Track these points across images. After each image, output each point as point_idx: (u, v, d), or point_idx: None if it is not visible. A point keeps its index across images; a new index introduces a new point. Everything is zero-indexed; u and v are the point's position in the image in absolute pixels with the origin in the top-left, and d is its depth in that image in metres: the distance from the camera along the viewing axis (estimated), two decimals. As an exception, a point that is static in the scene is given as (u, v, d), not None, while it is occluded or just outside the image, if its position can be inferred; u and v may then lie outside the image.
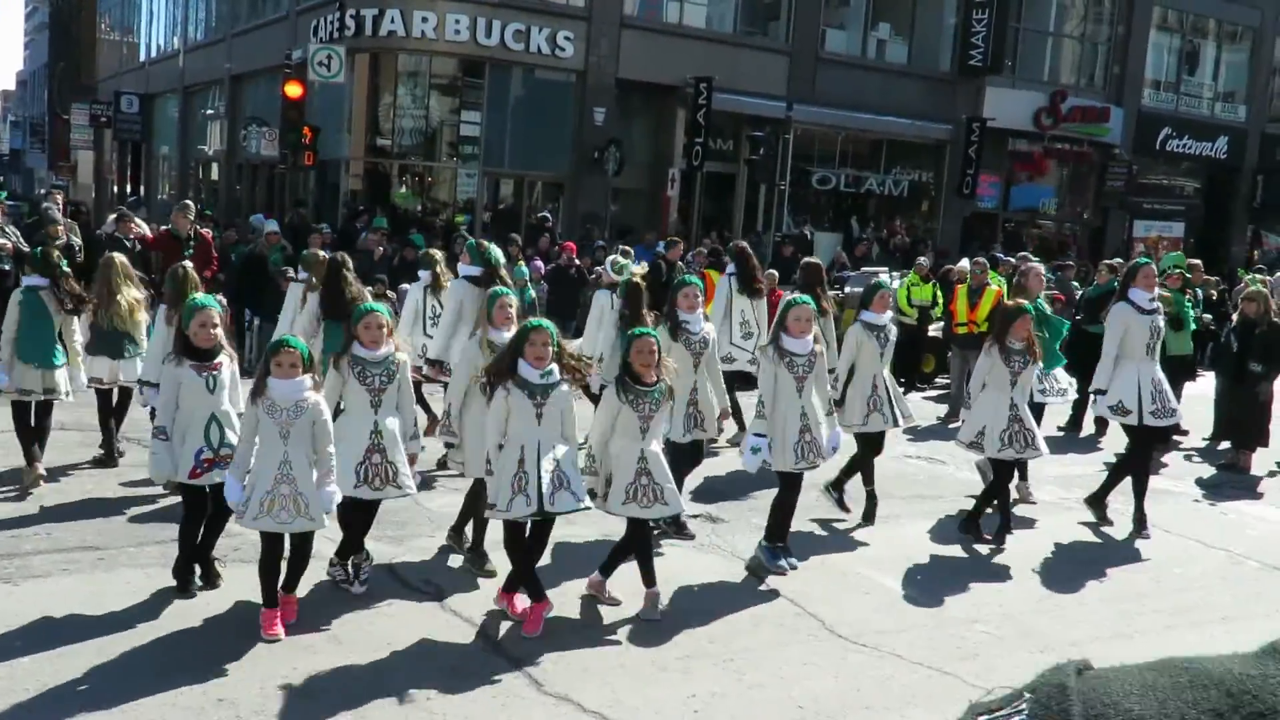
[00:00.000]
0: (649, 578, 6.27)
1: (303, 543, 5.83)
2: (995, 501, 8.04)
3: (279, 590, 5.79)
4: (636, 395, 6.09)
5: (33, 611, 5.78)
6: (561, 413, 5.90)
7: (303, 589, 6.32)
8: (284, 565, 5.83)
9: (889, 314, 8.39)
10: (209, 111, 31.03)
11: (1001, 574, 7.42)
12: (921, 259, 15.45)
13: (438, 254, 10.12)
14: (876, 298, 8.23)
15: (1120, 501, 8.70)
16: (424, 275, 9.74)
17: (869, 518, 8.30)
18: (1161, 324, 8.54)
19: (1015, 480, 8.51)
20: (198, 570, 6.26)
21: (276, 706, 4.95)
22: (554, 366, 5.87)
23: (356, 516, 6.26)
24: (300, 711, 4.93)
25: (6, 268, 11.26)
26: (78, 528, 7.14)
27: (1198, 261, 13.52)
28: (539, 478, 5.75)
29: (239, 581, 6.20)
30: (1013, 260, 14.18)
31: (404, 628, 5.88)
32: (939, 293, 14.46)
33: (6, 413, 8.74)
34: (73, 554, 6.69)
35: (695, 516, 8.11)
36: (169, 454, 6.03)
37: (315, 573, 6.49)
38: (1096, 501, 8.71)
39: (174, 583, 6.16)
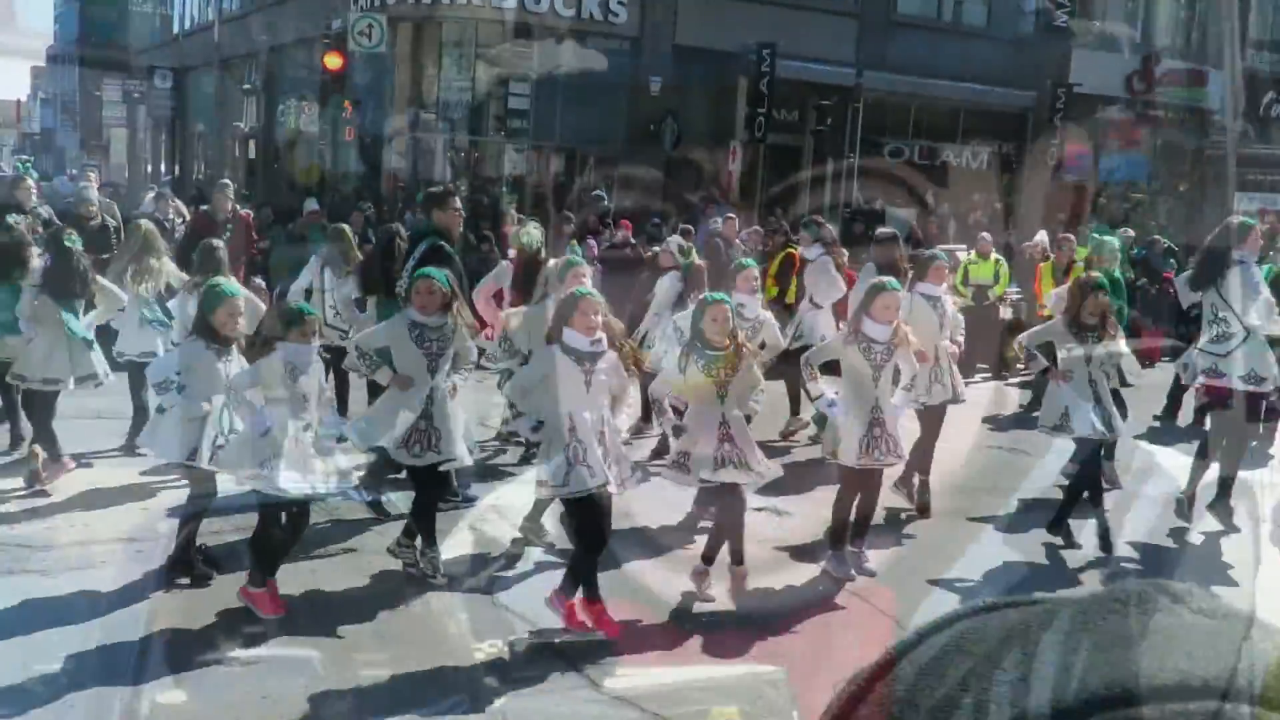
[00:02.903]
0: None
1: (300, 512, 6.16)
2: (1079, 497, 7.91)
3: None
4: (708, 360, 6.26)
5: (69, 602, 5.92)
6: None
7: (348, 584, 6.42)
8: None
9: (945, 285, 8.70)
10: (246, 86, 31.44)
11: (1078, 575, 7.30)
12: (984, 235, 14.98)
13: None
14: (932, 269, 8.45)
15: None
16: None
17: (924, 510, 8.31)
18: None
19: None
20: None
21: (322, 704, 5.03)
22: (602, 336, 6.00)
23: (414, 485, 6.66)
24: (346, 709, 5.00)
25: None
26: (112, 518, 7.30)
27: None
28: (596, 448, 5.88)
29: (283, 578, 6.29)
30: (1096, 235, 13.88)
31: (452, 623, 5.96)
32: (1001, 270, 14.04)
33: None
34: (109, 545, 6.84)
35: (760, 510, 8.10)
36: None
37: (358, 570, 6.59)
38: (1221, 501, 8.44)
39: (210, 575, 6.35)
